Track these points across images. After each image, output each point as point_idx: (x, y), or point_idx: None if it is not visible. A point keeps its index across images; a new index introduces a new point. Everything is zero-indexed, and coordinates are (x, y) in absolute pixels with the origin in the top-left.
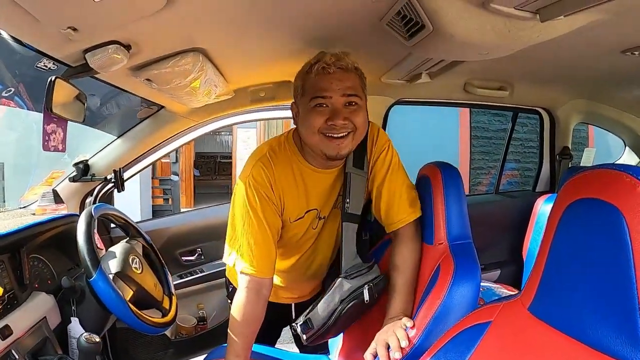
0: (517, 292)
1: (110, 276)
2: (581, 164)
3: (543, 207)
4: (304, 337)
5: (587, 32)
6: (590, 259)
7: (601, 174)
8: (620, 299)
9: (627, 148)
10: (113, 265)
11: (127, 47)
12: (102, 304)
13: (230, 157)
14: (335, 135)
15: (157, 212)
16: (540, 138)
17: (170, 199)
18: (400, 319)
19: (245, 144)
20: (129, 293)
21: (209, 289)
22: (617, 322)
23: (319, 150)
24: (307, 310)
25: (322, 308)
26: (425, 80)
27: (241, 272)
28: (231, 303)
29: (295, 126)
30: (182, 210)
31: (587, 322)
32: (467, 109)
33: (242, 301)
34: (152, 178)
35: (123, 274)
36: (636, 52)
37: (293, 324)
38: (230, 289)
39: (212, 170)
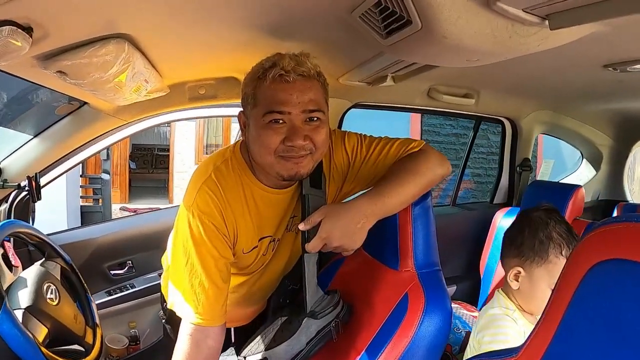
0: (476, 312)
1: (20, 312)
2: (539, 176)
3: (502, 221)
4: None
5: (575, 45)
6: (625, 331)
7: (629, 229)
8: None
9: (584, 160)
10: (23, 299)
11: (28, 30)
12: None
13: (168, 150)
14: (294, 156)
15: (85, 214)
16: (501, 148)
17: (100, 200)
18: None
19: (183, 137)
20: (42, 332)
21: (141, 306)
22: None
23: (273, 172)
24: (257, 346)
25: (285, 350)
26: (389, 84)
27: (184, 319)
28: (165, 323)
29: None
30: (114, 206)
31: None
32: None
33: (180, 353)
34: (81, 176)
35: (35, 309)
36: (617, 68)
37: (240, 358)
38: (166, 307)
39: (149, 163)
